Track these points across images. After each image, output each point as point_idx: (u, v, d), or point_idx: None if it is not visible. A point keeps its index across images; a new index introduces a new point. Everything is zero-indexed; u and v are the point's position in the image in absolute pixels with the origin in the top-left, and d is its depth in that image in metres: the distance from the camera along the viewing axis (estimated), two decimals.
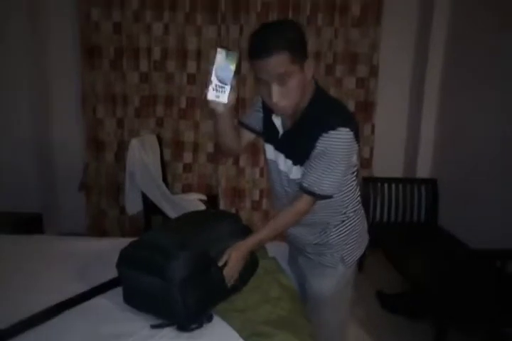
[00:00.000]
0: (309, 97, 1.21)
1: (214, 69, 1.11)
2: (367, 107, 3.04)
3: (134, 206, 2.79)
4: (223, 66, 1.12)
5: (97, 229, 3.14)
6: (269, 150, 1.35)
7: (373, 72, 2.99)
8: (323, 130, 1.14)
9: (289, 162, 1.27)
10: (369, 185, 2.87)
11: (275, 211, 1.47)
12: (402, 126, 3.22)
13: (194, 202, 2.89)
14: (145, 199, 2.72)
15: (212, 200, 3.04)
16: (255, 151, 3.07)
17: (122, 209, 3.08)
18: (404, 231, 2.78)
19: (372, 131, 3.08)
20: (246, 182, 3.14)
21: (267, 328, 1.21)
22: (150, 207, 2.75)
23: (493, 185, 2.34)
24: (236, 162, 3.12)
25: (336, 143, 1.15)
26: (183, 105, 3.06)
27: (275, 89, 1.11)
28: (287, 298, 1.41)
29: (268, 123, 1.33)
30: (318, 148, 1.17)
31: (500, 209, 2.26)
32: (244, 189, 3.15)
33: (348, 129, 1.14)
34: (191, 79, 3.02)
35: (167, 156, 3.11)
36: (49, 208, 3.11)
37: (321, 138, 1.15)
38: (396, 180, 2.91)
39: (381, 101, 3.08)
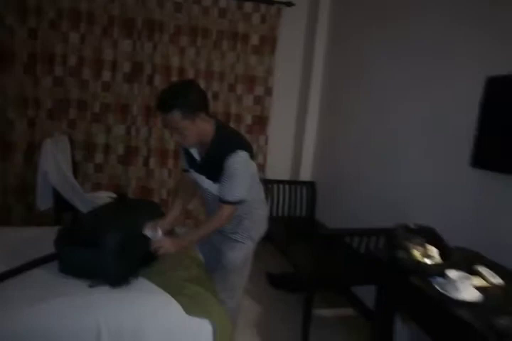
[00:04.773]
0: (212, 133, 1.66)
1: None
2: (262, 121, 3.60)
3: (45, 202, 2.92)
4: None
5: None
6: (195, 174, 1.79)
7: (268, 91, 3.57)
8: (226, 154, 1.59)
9: (210, 181, 1.71)
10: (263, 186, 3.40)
11: (206, 215, 1.94)
12: (290, 138, 3.85)
13: (105, 199, 3.12)
14: (56, 196, 2.88)
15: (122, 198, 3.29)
16: (164, 154, 3.42)
17: (30, 207, 3.17)
18: (290, 224, 3.35)
19: (266, 142, 3.65)
20: (155, 183, 3.46)
21: (182, 283, 1.61)
22: (61, 204, 2.91)
23: (352, 184, 3.03)
24: (146, 164, 3.42)
25: (237, 162, 1.60)
26: (97, 110, 3.28)
27: (174, 135, 1.62)
28: (195, 265, 1.84)
29: (188, 154, 1.78)
30: (225, 168, 1.61)
31: (354, 202, 2.94)
32: (152, 188, 3.47)
33: (244, 151, 1.62)
34: (106, 86, 3.26)
35: (78, 157, 3.29)
36: None
37: (226, 160, 1.60)
38: (284, 182, 3.48)
39: (274, 116, 3.68)
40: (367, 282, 2.40)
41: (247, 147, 1.67)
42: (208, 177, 1.72)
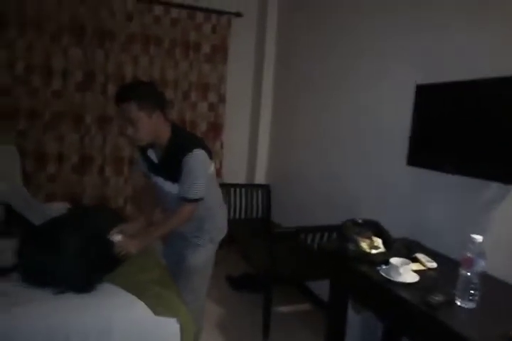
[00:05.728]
0: (168, 135, 1.72)
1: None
2: (217, 127, 3.70)
3: None
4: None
5: None
6: (155, 178, 1.84)
7: (221, 99, 3.67)
8: (183, 154, 1.65)
9: (169, 182, 1.76)
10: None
11: (167, 214, 1.92)
12: (245, 142, 3.98)
13: (60, 210, 3.07)
14: (7, 208, 2.79)
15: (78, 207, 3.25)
16: (119, 162, 3.42)
17: None
18: (247, 226, 3.47)
19: (221, 147, 3.74)
20: (111, 191, 3.44)
21: (147, 285, 1.67)
22: (12, 216, 2.83)
23: (304, 185, 3.20)
24: (101, 172, 3.40)
25: (194, 161, 1.66)
26: (48, 119, 3.22)
27: (127, 129, 1.66)
28: (158, 268, 1.89)
29: (146, 158, 1.83)
30: (183, 167, 1.66)
31: (307, 202, 3.11)
32: (109, 196, 3.44)
33: (200, 149, 1.67)
34: (57, 95, 3.21)
35: (29, 167, 3.21)
36: None
37: (183, 160, 1.65)
38: (240, 186, 3.60)
39: (228, 122, 3.79)
40: (321, 276, 2.56)
41: (204, 147, 1.71)
42: (168, 179, 1.75)
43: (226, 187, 3.45)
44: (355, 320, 1.92)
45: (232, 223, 3.44)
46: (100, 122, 3.34)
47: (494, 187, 1.62)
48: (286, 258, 2.60)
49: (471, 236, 1.31)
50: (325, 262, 2.43)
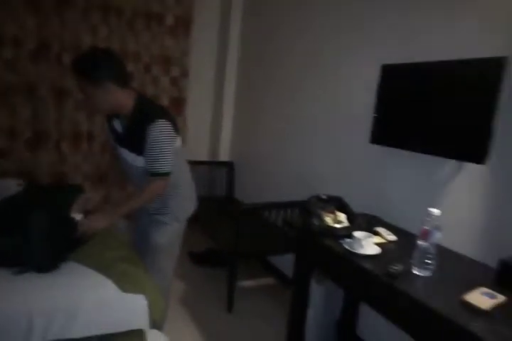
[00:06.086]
0: (132, 104, 1.66)
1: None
2: (179, 102, 3.61)
3: None
4: None
5: None
6: (119, 148, 1.77)
7: (184, 73, 3.57)
8: (147, 123, 1.59)
9: (134, 154, 1.69)
10: None
11: (134, 189, 1.88)
12: (208, 119, 3.93)
13: (13, 187, 2.93)
14: None
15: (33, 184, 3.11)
16: (77, 137, 3.28)
17: None
18: (211, 203, 3.47)
19: (184, 123, 3.68)
20: (68, 168, 3.31)
21: (113, 263, 1.65)
22: None
23: (268, 162, 3.24)
24: (57, 148, 3.26)
25: (159, 132, 1.59)
26: None
27: (82, 96, 1.61)
28: (124, 247, 1.87)
29: (112, 128, 1.77)
30: (147, 138, 1.60)
31: (271, 179, 3.16)
32: (66, 173, 3.31)
33: (164, 120, 1.61)
34: (8, 65, 2.98)
35: None
36: None
37: (147, 130, 1.59)
38: (203, 163, 3.58)
39: (191, 97, 3.71)
40: (284, 251, 2.63)
41: (170, 119, 1.64)
42: (132, 150, 1.69)
43: (189, 165, 3.40)
44: (318, 291, 2.01)
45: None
46: (56, 95, 3.16)
47: (450, 164, 1.71)
48: (249, 235, 2.65)
49: (428, 210, 1.39)
50: (289, 237, 2.51)
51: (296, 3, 2.86)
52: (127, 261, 1.72)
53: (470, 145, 1.56)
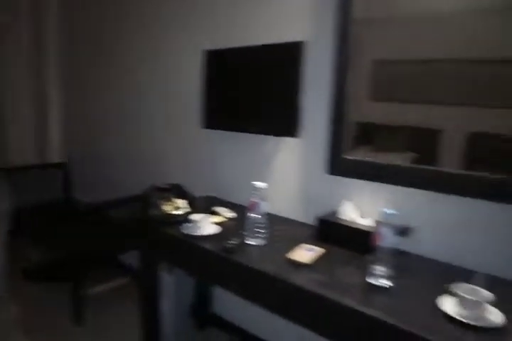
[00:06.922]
0: None
1: None
2: None
3: None
4: None
5: None
6: None
7: None
8: None
9: None
10: (5, 176, 2.98)
11: None
12: (31, 117, 3.46)
13: None
14: None
15: None
16: None
17: None
18: (46, 211, 3.10)
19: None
20: None
21: None
22: None
23: (109, 157, 3.05)
24: None
25: None
26: None
27: None
28: None
29: None
30: None
31: (115, 174, 2.99)
32: None
33: None
34: None
35: None
36: None
37: None
38: (30, 168, 3.16)
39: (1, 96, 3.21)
40: (135, 247, 2.53)
41: None
42: None
43: (11, 172, 2.98)
44: (169, 281, 1.99)
45: (27, 211, 3.07)
46: None
47: (272, 141, 1.87)
48: (95, 236, 2.46)
49: (253, 184, 1.49)
50: (133, 232, 2.42)
51: None
52: None
53: (284, 122, 1.73)
